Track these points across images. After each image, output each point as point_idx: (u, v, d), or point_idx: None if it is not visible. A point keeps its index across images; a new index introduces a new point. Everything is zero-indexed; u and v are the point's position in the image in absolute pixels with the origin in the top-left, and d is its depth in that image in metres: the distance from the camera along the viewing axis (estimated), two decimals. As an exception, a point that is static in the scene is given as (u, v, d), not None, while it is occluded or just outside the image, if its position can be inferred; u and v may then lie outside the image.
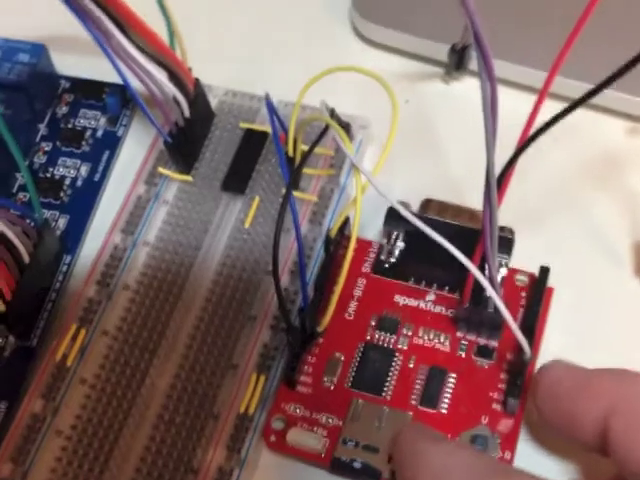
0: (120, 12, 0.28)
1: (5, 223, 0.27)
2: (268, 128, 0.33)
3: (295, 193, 0.31)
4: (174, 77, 0.30)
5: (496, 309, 0.27)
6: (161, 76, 0.29)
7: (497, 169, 0.24)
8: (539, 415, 0.26)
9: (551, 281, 0.29)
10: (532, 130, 0.24)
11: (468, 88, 0.36)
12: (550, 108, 0.24)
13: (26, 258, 0.29)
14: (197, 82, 0.32)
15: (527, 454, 0.28)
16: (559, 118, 0.22)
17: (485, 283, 0.25)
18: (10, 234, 0.27)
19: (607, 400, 0.24)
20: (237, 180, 0.32)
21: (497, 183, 0.24)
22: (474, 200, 0.31)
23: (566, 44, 0.23)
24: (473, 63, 0.35)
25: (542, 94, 0.23)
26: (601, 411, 0.24)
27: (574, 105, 0.22)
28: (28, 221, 0.29)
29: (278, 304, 0.26)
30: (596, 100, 0.34)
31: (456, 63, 0.35)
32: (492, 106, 0.22)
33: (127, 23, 0.28)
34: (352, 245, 0.27)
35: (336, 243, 0.29)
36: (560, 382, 0.25)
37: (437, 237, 0.25)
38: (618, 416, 0.24)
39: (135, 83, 0.29)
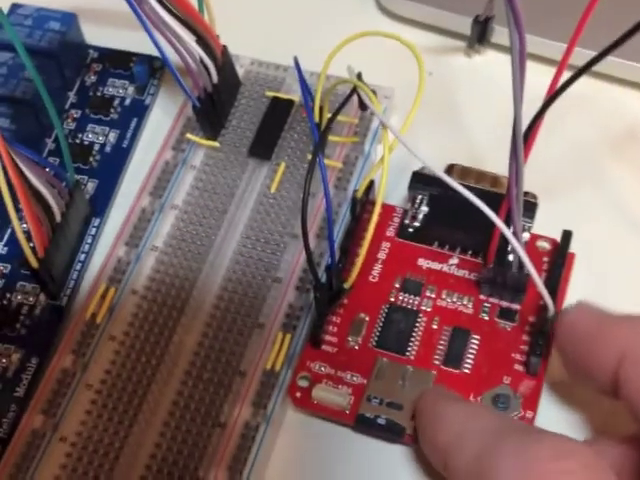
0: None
1: (42, 182, 0.28)
2: (294, 97, 0.34)
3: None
4: (203, 42, 0.30)
5: (520, 270, 0.28)
6: (191, 41, 0.29)
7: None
8: (560, 356, 0.27)
9: (572, 247, 0.30)
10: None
11: (490, 61, 0.37)
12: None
13: (58, 217, 0.30)
14: (225, 49, 0.32)
15: (549, 413, 0.28)
16: (586, 70, 0.23)
17: (510, 237, 0.25)
18: (46, 193, 0.28)
19: (620, 346, 0.24)
20: (263, 146, 0.33)
21: (524, 139, 0.24)
22: (495, 166, 0.32)
23: (584, 15, 0.23)
24: (495, 36, 0.36)
25: (564, 60, 0.23)
26: (614, 356, 0.24)
27: (599, 57, 0.22)
28: (61, 182, 0.30)
29: (307, 260, 0.27)
30: (618, 73, 0.34)
31: (478, 35, 0.35)
32: (520, 57, 0.22)
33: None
34: (378, 205, 0.27)
35: (362, 205, 0.30)
36: (578, 325, 0.26)
37: (467, 193, 0.25)
38: (630, 362, 0.24)
39: (166, 50, 0.30)
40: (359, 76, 0.30)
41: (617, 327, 0.25)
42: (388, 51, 0.31)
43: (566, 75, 0.23)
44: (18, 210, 0.27)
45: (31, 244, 0.28)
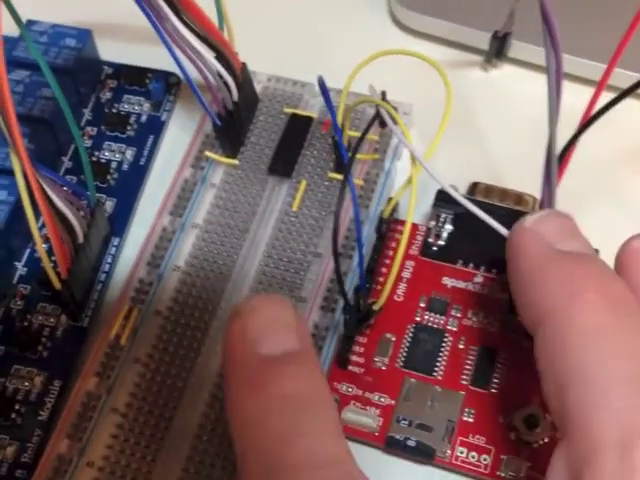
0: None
1: (64, 202, 0.27)
2: (313, 113, 0.34)
3: (341, 176, 0.31)
4: (223, 60, 0.30)
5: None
6: (211, 57, 0.29)
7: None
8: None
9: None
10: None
11: (507, 75, 0.37)
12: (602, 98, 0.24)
13: (80, 238, 0.29)
14: (244, 66, 0.32)
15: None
16: (622, 98, 0.23)
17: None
18: (68, 213, 0.28)
19: (542, 306, 0.22)
20: (283, 164, 0.32)
21: (558, 161, 0.24)
22: (515, 182, 0.32)
23: (625, 37, 0.23)
24: (513, 51, 0.36)
25: (603, 81, 0.23)
26: (535, 313, 0.23)
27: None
28: (81, 201, 0.30)
29: (337, 281, 0.26)
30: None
31: (496, 50, 0.35)
32: (557, 77, 0.22)
33: (180, 4, 0.28)
34: (408, 226, 0.27)
35: (388, 225, 0.30)
36: (521, 256, 0.24)
37: (488, 219, 0.25)
38: (539, 338, 0.22)
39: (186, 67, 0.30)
40: (383, 96, 0.30)
41: (546, 275, 0.22)
42: (403, 66, 0.31)
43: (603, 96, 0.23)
44: (39, 230, 0.27)
45: (51, 264, 0.28)
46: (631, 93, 0.22)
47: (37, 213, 0.27)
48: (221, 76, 0.30)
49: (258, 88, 0.34)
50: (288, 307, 0.23)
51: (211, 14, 0.30)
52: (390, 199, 0.30)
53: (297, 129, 0.33)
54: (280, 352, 0.22)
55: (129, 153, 0.34)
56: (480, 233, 0.30)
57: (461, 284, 0.30)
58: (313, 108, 0.34)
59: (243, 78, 0.32)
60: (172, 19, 0.27)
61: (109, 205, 0.33)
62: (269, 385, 0.21)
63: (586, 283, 0.22)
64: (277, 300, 0.23)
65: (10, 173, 0.29)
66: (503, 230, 0.25)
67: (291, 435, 0.21)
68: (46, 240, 0.29)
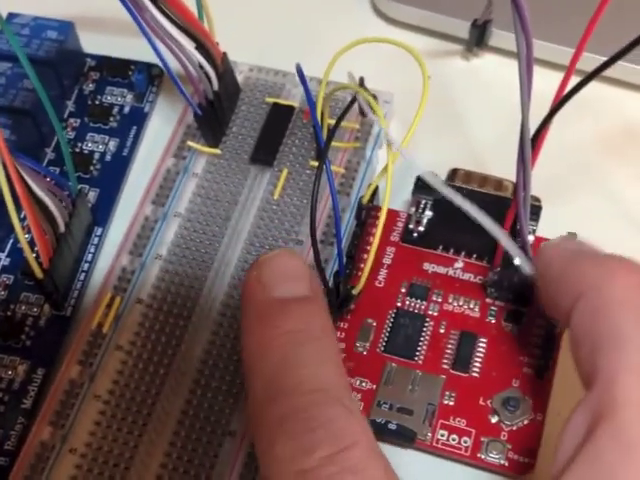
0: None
1: (46, 192, 0.27)
2: (294, 102, 0.34)
3: (323, 165, 0.32)
4: (203, 49, 0.30)
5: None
6: (191, 48, 0.29)
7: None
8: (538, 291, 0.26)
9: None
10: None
11: (487, 64, 0.37)
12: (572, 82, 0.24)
13: (62, 228, 0.29)
14: (225, 56, 0.32)
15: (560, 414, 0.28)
16: (595, 75, 0.23)
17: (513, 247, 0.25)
18: (50, 203, 0.28)
19: (579, 287, 0.24)
20: (265, 153, 0.33)
21: (531, 144, 0.24)
22: (497, 169, 0.32)
23: (592, 21, 0.23)
24: (493, 39, 0.36)
25: (572, 65, 0.24)
26: (571, 295, 0.24)
27: (609, 63, 0.22)
28: (63, 191, 0.30)
29: (316, 266, 0.27)
30: (617, 75, 0.35)
31: (476, 39, 0.36)
32: (527, 62, 0.22)
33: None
34: (384, 212, 0.27)
35: (367, 211, 0.30)
36: (550, 264, 0.25)
37: (466, 205, 0.25)
38: (577, 310, 0.23)
39: (166, 57, 0.30)
40: (361, 82, 0.30)
41: (579, 265, 0.24)
42: (385, 55, 0.32)
43: (572, 80, 0.24)
44: (21, 220, 0.27)
45: (34, 254, 0.28)
46: (598, 75, 0.22)
47: (18, 204, 0.27)
48: (201, 66, 0.30)
49: (239, 78, 0.34)
50: (300, 260, 0.26)
51: (191, 4, 0.30)
52: (369, 186, 0.30)
53: (279, 118, 0.34)
54: (291, 296, 0.24)
55: (112, 144, 0.34)
56: (460, 219, 0.30)
57: (442, 269, 0.30)
58: (295, 97, 0.34)
59: (224, 68, 0.32)
60: (151, 9, 0.27)
61: (92, 195, 0.33)
62: (276, 319, 0.24)
63: (619, 266, 0.24)
64: (291, 253, 0.26)
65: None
66: (480, 214, 0.25)
67: (291, 364, 0.23)
68: (28, 230, 0.29)
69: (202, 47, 0.30)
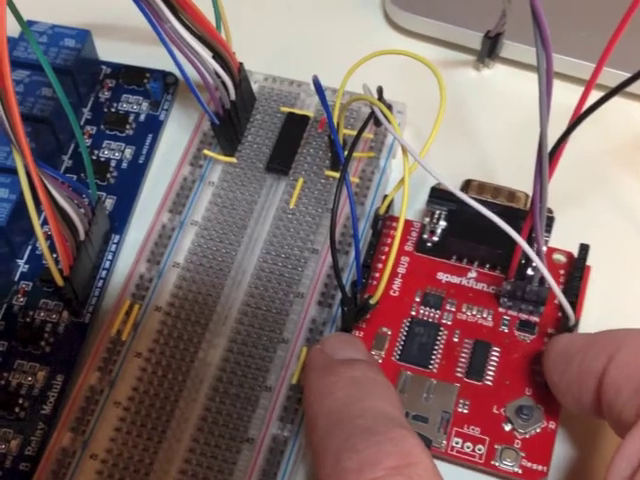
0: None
1: (66, 200, 0.28)
2: (309, 112, 0.34)
3: (338, 174, 0.32)
4: (221, 60, 0.31)
5: (540, 283, 0.29)
6: (209, 58, 0.30)
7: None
8: (549, 382, 0.27)
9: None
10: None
11: (499, 75, 0.37)
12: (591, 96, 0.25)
13: (82, 235, 0.30)
14: (241, 66, 0.33)
15: (571, 423, 0.29)
16: (610, 96, 0.23)
17: (534, 256, 0.26)
18: (71, 211, 0.28)
19: (610, 349, 0.25)
20: (281, 162, 0.33)
21: (549, 158, 0.25)
22: (508, 179, 0.32)
23: (614, 37, 0.23)
24: (505, 50, 0.36)
25: (592, 79, 0.24)
26: (604, 360, 0.25)
27: (633, 79, 0.23)
28: (83, 198, 0.30)
29: (335, 276, 0.27)
30: (630, 88, 0.35)
31: (489, 50, 0.36)
32: (548, 76, 0.23)
33: (179, 5, 0.29)
34: (402, 223, 0.28)
35: (383, 221, 0.30)
36: (572, 343, 0.27)
37: (486, 212, 0.26)
38: (615, 361, 0.25)
39: (184, 66, 0.30)
40: (380, 94, 0.30)
41: (608, 335, 0.26)
42: (398, 65, 0.32)
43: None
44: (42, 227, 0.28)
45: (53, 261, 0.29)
46: (619, 92, 0.23)
47: (39, 211, 0.27)
48: (219, 75, 0.31)
49: (255, 87, 0.35)
50: (356, 337, 0.29)
51: (209, 15, 0.30)
52: (385, 196, 0.30)
53: (294, 128, 0.34)
54: (350, 357, 0.26)
55: (128, 152, 0.34)
56: (473, 229, 0.30)
57: (455, 279, 0.31)
58: (309, 107, 0.35)
59: (240, 78, 0.32)
60: (171, 20, 0.28)
61: (109, 203, 0.33)
62: (339, 369, 0.25)
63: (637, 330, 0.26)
64: (346, 333, 0.29)
65: (11, 171, 0.30)
66: (499, 221, 0.26)
67: (355, 398, 0.24)
68: (48, 237, 0.29)
69: (220, 57, 0.31)
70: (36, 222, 0.27)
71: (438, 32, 0.37)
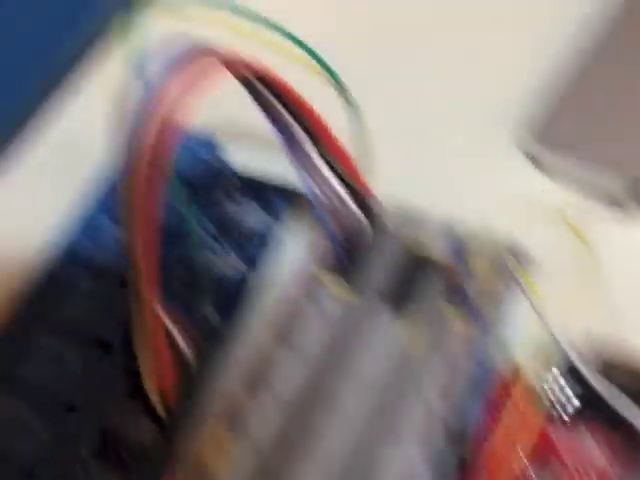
0: (314, 124, 0.27)
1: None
2: (434, 253, 0.32)
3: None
4: (358, 198, 0.29)
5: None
6: (351, 203, 0.28)
7: None
8: None
9: None
10: None
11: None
12: None
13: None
14: (381, 212, 0.31)
15: None
16: None
17: None
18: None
19: None
20: (398, 301, 0.31)
21: None
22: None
23: None
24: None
25: None
26: None
27: None
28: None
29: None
30: None
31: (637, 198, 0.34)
32: None
33: (320, 136, 0.28)
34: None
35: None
36: None
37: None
38: None
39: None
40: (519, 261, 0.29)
41: None
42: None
43: None
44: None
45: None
46: None
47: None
48: (355, 217, 0.29)
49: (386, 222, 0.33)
50: None
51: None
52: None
53: (415, 267, 0.32)
54: None
55: (244, 267, 0.33)
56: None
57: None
58: (435, 247, 0.33)
59: (377, 219, 0.31)
60: (315, 161, 0.27)
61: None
62: None
63: None
64: None
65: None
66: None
67: None
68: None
69: (356, 195, 0.29)
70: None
71: (585, 175, 0.35)
